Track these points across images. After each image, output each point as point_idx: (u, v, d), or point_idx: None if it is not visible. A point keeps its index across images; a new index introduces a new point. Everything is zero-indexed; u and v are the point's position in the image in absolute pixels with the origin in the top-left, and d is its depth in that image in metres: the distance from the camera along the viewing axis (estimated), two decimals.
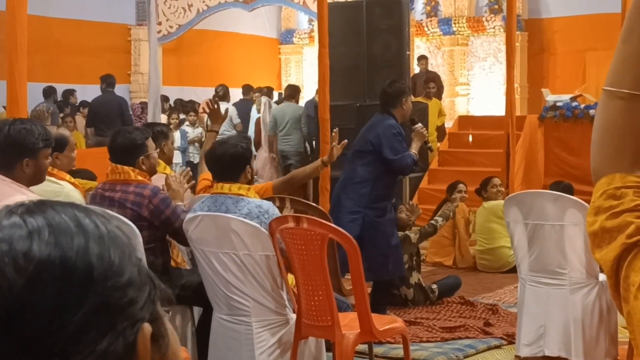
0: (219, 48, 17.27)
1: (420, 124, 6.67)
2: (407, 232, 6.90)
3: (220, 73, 16.77)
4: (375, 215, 6.29)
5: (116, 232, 0.88)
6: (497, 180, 8.79)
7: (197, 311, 5.02)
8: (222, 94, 14.27)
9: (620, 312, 1.33)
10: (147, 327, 0.85)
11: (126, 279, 0.85)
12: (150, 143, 4.86)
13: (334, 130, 5.91)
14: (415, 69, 15.60)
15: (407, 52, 12.63)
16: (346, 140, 5.85)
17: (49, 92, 13.95)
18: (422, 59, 15.49)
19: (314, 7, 14.06)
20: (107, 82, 13.08)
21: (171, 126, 12.02)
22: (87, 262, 0.83)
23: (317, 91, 14.55)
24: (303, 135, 13.10)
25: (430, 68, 15.73)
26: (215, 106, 5.99)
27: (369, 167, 6.40)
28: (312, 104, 13.75)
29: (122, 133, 4.90)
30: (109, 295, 0.83)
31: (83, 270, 0.82)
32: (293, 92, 13.79)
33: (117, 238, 0.87)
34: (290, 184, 5.60)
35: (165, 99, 14.37)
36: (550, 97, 12.37)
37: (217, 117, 6.02)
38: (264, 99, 13.10)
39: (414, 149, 6.46)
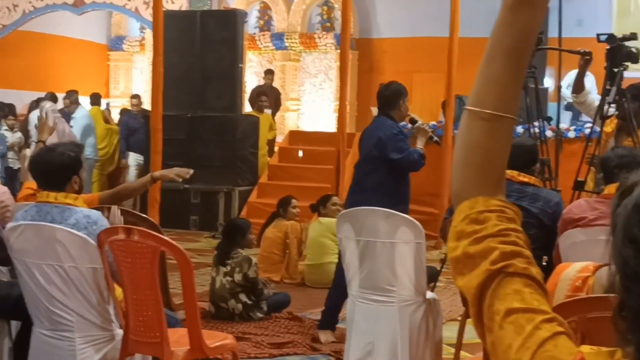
0: (46, 51, 16.68)
1: (421, 121, 6.54)
2: None
3: (47, 77, 16.21)
4: None
5: None
6: (337, 199, 8.86)
7: (14, 325, 4.77)
8: (49, 99, 13.79)
9: (482, 341, 1.30)
10: None
11: None
12: None
13: (190, 171, 5.59)
14: (261, 81, 15.67)
15: (240, 65, 12.61)
16: (192, 170, 5.59)
17: None
18: (269, 72, 15.54)
19: (146, 15, 13.83)
20: None
21: None
22: None
23: (131, 100, 14.36)
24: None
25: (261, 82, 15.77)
26: (44, 117, 5.70)
27: (377, 174, 6.27)
28: (132, 117, 13.56)
29: None
30: None
31: None
32: (96, 100, 13.67)
33: None
34: (118, 197, 5.38)
35: None
36: None
37: (43, 128, 5.74)
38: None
39: (420, 145, 6.33)
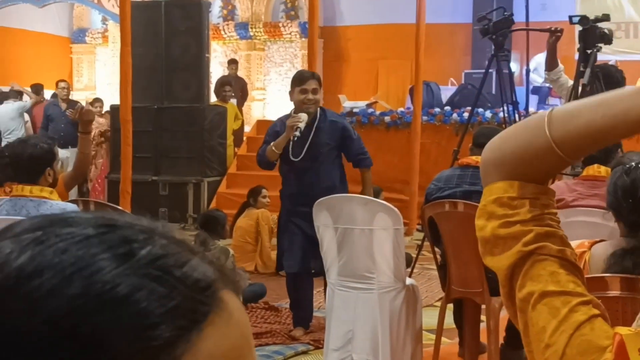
0: (7, 45, 16.46)
1: (303, 114, 6.11)
2: None
3: (9, 71, 15.99)
4: None
5: None
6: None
7: None
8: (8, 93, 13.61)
9: (514, 321, 1.28)
10: None
11: None
12: None
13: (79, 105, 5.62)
14: (225, 71, 15.59)
15: (207, 55, 12.52)
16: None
17: None
18: (232, 62, 15.47)
19: (108, 6, 13.73)
20: None
21: None
22: None
23: (55, 90, 14.08)
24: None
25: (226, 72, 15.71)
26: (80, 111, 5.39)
27: None
28: (53, 105, 13.25)
29: None
30: None
31: None
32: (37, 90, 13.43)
33: None
34: (78, 171, 5.29)
35: None
36: (347, 104, 12.60)
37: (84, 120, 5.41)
38: None
39: (275, 141, 6.15)
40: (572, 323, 1.19)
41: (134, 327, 0.60)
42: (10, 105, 13.03)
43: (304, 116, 6.04)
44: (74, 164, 5.42)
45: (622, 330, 1.16)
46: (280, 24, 17.06)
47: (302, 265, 6.15)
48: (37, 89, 13.92)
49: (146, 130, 11.74)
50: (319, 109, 6.21)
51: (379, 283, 5.23)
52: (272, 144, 6.14)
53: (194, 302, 0.63)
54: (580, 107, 1.25)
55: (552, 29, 6.37)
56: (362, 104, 12.53)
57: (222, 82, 13.86)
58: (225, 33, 17.26)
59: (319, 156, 6.16)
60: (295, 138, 6.06)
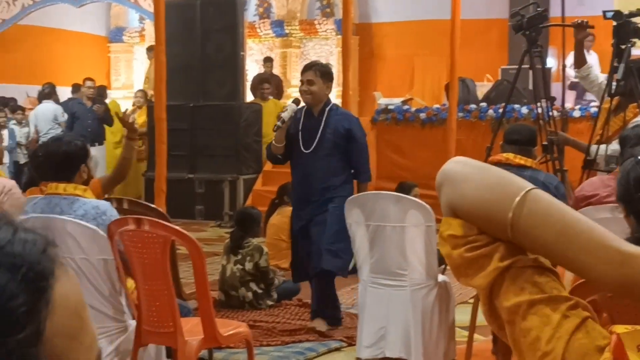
0: (45, 45, 16.62)
1: (291, 104, 6.20)
2: None
3: (47, 71, 16.14)
4: None
5: None
6: None
7: None
8: (48, 92, 13.73)
9: (499, 335, 1.29)
10: None
11: None
12: None
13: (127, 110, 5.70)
14: (261, 69, 15.64)
15: (242, 53, 12.57)
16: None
17: None
18: (268, 60, 15.54)
19: (145, 5, 13.77)
20: None
21: None
22: None
23: (75, 89, 14.13)
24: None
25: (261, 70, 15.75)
26: (127, 118, 5.43)
27: None
28: (78, 103, 13.36)
29: None
30: None
31: None
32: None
33: None
34: (118, 175, 5.32)
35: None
36: (382, 101, 12.57)
37: (129, 126, 5.45)
38: None
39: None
40: (567, 329, 1.19)
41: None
42: (51, 106, 13.18)
43: (291, 106, 6.10)
44: (115, 167, 5.45)
45: (619, 328, 1.16)
46: (316, 22, 17.06)
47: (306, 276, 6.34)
48: (76, 89, 14.05)
49: (182, 129, 11.82)
50: (331, 105, 6.19)
51: (411, 280, 5.22)
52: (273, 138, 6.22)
53: (40, 265, 0.66)
54: (558, 220, 1.22)
55: (577, 22, 6.31)
56: (397, 100, 12.50)
57: (261, 80, 13.90)
58: (261, 31, 17.29)
59: (325, 151, 6.10)
60: (276, 128, 6.09)
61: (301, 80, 6.18)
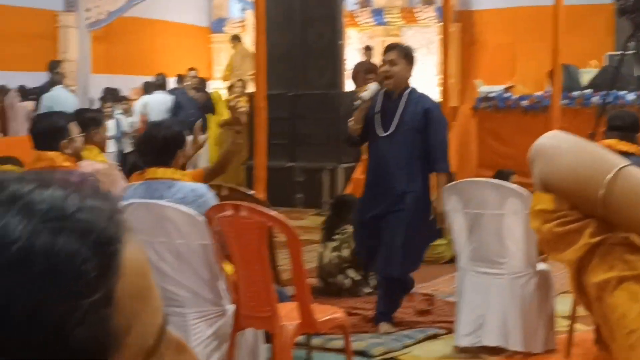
0: (150, 36, 16.98)
1: (372, 84, 5.98)
2: None
3: (150, 61, 16.49)
4: None
5: None
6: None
7: None
8: (161, 83, 14.05)
9: (588, 311, 1.26)
10: None
11: None
12: (73, 127, 4.70)
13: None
14: (363, 58, 15.66)
15: (340, 42, 12.58)
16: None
17: None
18: (368, 49, 15.55)
19: None
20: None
21: (105, 114, 11.74)
22: None
23: (182, 79, 14.30)
24: None
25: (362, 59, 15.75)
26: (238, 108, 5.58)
27: None
28: (181, 93, 13.57)
29: (43, 117, 4.77)
30: None
31: None
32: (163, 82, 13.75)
33: None
34: (220, 167, 5.39)
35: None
36: (483, 88, 12.44)
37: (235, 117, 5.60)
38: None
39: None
40: None
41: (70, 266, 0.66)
42: (164, 97, 13.48)
43: (371, 86, 5.86)
44: (218, 159, 5.50)
45: None
46: (416, 9, 16.97)
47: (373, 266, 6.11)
48: (182, 79, 14.32)
49: (282, 117, 11.90)
50: (411, 88, 5.89)
51: (510, 268, 5.16)
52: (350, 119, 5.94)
53: (110, 229, 0.69)
54: None
55: None
56: (498, 88, 12.34)
57: (367, 70, 13.93)
58: (361, 20, 17.28)
59: (402, 134, 5.77)
60: (355, 106, 5.86)
61: (383, 61, 5.92)
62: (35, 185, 0.69)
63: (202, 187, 4.38)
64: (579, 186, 1.21)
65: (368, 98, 5.77)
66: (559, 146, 1.27)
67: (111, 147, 12.54)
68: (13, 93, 13.40)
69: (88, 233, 0.68)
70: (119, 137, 13.25)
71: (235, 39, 16.73)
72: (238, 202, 4.29)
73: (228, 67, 16.16)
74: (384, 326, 5.94)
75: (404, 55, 5.84)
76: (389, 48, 5.95)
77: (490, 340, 5.25)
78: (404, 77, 5.83)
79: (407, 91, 5.84)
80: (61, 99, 11.68)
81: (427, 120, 5.77)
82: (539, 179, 1.27)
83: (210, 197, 4.34)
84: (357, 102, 5.79)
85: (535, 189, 1.28)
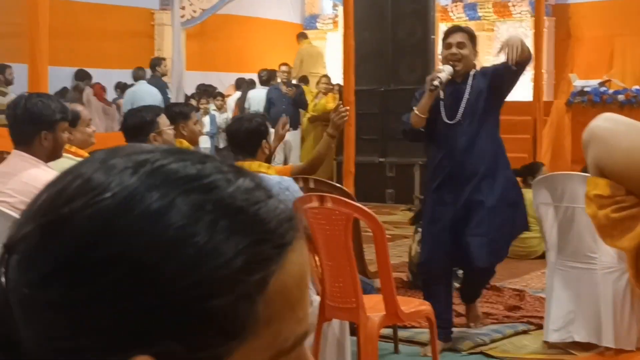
0: (242, 33, 17.15)
1: (447, 65, 5.38)
2: None
3: (243, 58, 16.68)
4: None
5: None
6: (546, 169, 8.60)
7: None
8: (266, 79, 14.22)
9: None
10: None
11: None
12: (162, 120, 4.79)
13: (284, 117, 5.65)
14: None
15: (432, 37, 12.51)
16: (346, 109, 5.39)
17: (81, 76, 14.02)
18: None
19: None
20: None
21: (200, 111, 11.95)
22: None
23: (276, 76, 14.39)
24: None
25: None
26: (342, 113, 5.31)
27: None
28: (274, 89, 13.66)
29: (132, 112, 4.90)
30: None
31: None
32: (269, 77, 13.83)
33: None
34: (310, 167, 5.38)
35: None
36: (578, 82, 12.21)
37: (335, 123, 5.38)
38: None
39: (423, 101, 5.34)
40: None
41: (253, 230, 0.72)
42: (260, 93, 13.69)
43: (446, 68, 5.29)
44: (309, 160, 5.47)
45: None
46: (510, 4, 16.73)
47: (436, 261, 5.43)
48: (270, 75, 14.46)
49: (372, 113, 11.92)
50: (474, 71, 5.45)
51: (602, 263, 5.07)
52: (414, 108, 5.36)
53: (283, 228, 0.73)
54: None
55: None
56: (593, 82, 12.10)
57: None
58: (454, 14, 17.13)
59: (472, 120, 5.32)
60: (433, 87, 5.18)
61: (449, 43, 5.39)
62: (234, 174, 0.76)
63: (288, 180, 4.43)
64: (635, 171, 1.19)
65: (445, 79, 5.25)
66: (614, 129, 1.25)
67: (207, 142, 12.75)
68: (89, 90, 13.72)
69: (266, 222, 0.73)
70: (214, 133, 13.44)
71: (302, 36, 16.93)
72: (324, 194, 4.31)
73: (295, 64, 16.27)
74: (474, 308, 5.82)
75: (470, 37, 5.49)
76: (454, 30, 5.54)
77: (582, 336, 5.16)
78: (471, 61, 5.45)
79: (472, 73, 5.42)
80: (142, 94, 11.91)
81: (493, 71, 5.49)
82: (594, 164, 1.25)
83: (296, 190, 4.38)
84: (436, 83, 5.17)
85: (591, 174, 1.26)
